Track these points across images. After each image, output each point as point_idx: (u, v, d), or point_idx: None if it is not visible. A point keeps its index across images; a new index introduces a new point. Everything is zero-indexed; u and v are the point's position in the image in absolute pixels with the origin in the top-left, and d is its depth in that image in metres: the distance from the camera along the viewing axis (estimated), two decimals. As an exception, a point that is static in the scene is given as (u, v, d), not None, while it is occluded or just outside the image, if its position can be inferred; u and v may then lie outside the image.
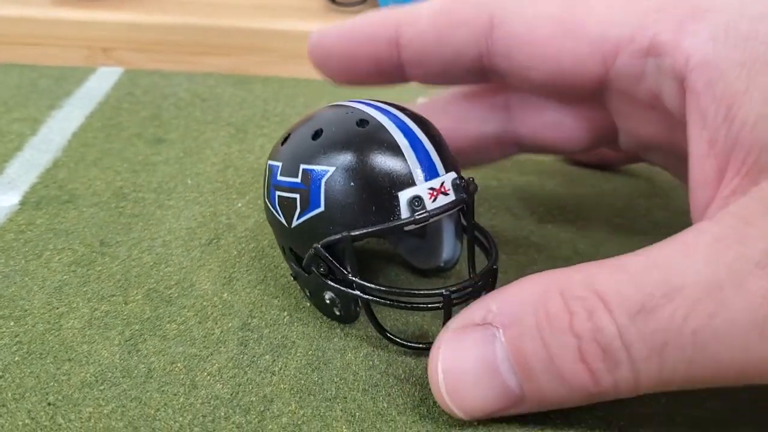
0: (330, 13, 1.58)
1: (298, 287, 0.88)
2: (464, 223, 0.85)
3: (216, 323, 0.83)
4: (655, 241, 1.00)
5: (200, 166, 1.17)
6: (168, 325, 0.82)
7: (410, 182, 0.73)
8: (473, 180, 0.80)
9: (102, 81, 1.48)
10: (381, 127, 0.76)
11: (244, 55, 1.55)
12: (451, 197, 0.75)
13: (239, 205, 1.06)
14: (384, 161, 0.74)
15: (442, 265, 0.87)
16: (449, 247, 0.86)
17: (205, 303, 0.86)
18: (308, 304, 0.86)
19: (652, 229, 1.04)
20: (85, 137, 1.24)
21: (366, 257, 0.95)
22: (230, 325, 0.82)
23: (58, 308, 0.84)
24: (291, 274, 0.87)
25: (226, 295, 0.87)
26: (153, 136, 1.25)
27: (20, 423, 0.69)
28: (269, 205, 0.81)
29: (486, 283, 0.79)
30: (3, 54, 1.56)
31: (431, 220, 0.74)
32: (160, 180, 1.12)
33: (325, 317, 0.84)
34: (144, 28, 1.54)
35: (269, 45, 1.55)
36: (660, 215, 1.08)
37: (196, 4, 1.63)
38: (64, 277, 0.89)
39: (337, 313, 0.81)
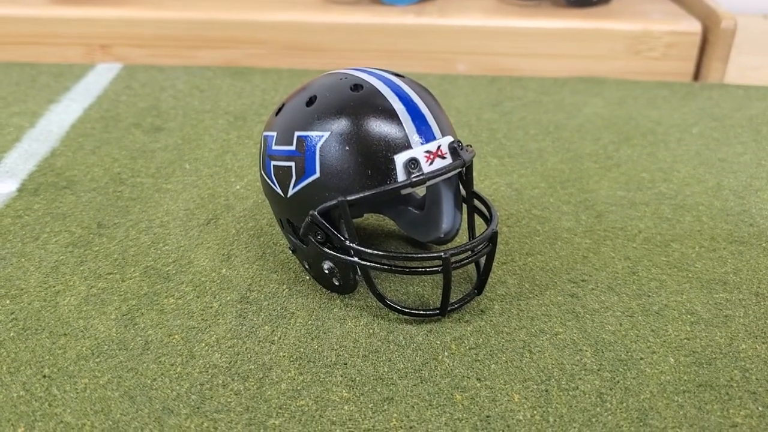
0: (327, 5, 1.58)
1: (297, 261, 0.87)
2: (464, 193, 0.83)
3: (214, 297, 0.81)
4: (657, 212, 0.99)
5: (198, 151, 1.16)
6: (166, 299, 0.81)
7: (406, 145, 0.72)
8: (471, 146, 0.79)
9: (100, 76, 1.47)
10: (376, 91, 0.75)
11: (242, 47, 1.55)
12: (449, 161, 0.74)
13: (238, 187, 1.05)
14: (379, 125, 0.73)
15: (442, 236, 0.86)
16: (449, 217, 0.85)
17: (203, 278, 0.85)
18: (307, 278, 0.85)
19: (655, 200, 1.03)
20: (83, 128, 1.23)
21: (366, 234, 0.94)
22: (229, 298, 0.81)
23: (54, 287, 0.83)
24: (289, 248, 0.86)
25: (224, 270, 0.86)
26: (151, 125, 1.25)
27: (15, 395, 0.68)
28: (265, 176, 0.80)
29: (486, 246, 0.78)
30: (2, 53, 1.56)
31: (428, 182, 0.73)
32: (159, 165, 1.11)
33: (324, 289, 0.83)
34: (142, 23, 1.54)
35: (267, 37, 1.54)
36: (663, 187, 1.06)
37: (194, -1, 1.63)
38: (61, 257, 0.88)
39: (337, 283, 0.80)
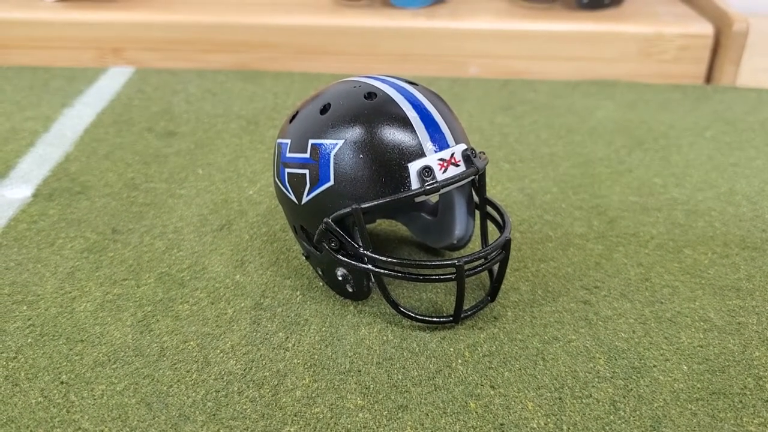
0: (339, 8, 1.58)
1: (311, 267, 0.88)
2: (476, 200, 0.84)
3: (229, 303, 0.82)
4: (670, 218, 0.99)
5: (211, 156, 1.17)
6: (180, 306, 0.82)
7: (420, 153, 0.73)
8: (484, 153, 0.79)
9: (113, 80, 1.48)
10: (389, 99, 0.75)
11: (254, 51, 1.56)
12: (462, 168, 0.74)
13: (251, 192, 1.06)
14: (393, 133, 0.73)
15: (455, 242, 0.86)
16: (462, 223, 0.85)
17: (217, 285, 0.85)
18: (321, 284, 0.85)
19: (668, 206, 1.03)
20: (97, 133, 1.24)
21: (379, 240, 0.94)
22: (243, 305, 0.82)
23: (70, 292, 0.84)
24: (303, 254, 0.86)
25: (238, 276, 0.87)
26: (164, 130, 1.25)
27: (33, 401, 0.69)
28: (279, 183, 0.81)
29: (499, 254, 0.78)
30: (16, 57, 1.57)
31: (442, 190, 0.73)
32: (172, 170, 1.12)
33: (338, 296, 0.83)
34: (154, 27, 1.54)
35: (279, 41, 1.55)
36: (676, 192, 1.06)
37: (206, 2, 1.63)
38: (77, 263, 0.89)
39: (350, 290, 0.81)
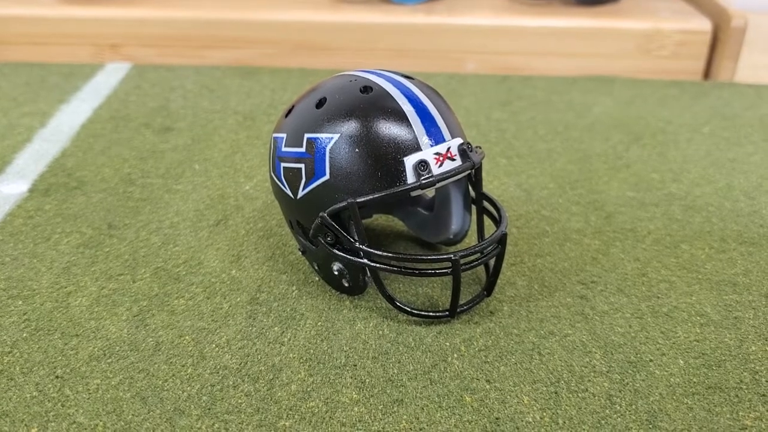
0: (336, 4, 1.58)
1: (307, 262, 0.87)
2: (473, 195, 0.84)
3: (224, 298, 0.82)
4: (667, 213, 0.99)
5: (208, 152, 1.16)
6: (176, 300, 0.81)
7: (416, 147, 0.72)
8: (480, 148, 0.79)
9: (110, 76, 1.48)
10: (385, 93, 0.75)
11: (252, 47, 1.55)
12: (458, 162, 0.74)
13: (247, 187, 1.06)
14: (389, 127, 0.73)
15: (451, 237, 0.86)
16: (458, 218, 0.85)
17: (213, 279, 0.85)
18: (317, 279, 0.85)
19: (665, 201, 1.02)
20: (93, 128, 1.24)
21: (375, 235, 0.94)
22: (238, 299, 0.82)
23: (66, 287, 0.83)
24: (299, 249, 0.86)
25: (234, 271, 0.86)
26: (161, 126, 1.25)
27: (28, 396, 0.68)
28: (275, 178, 0.81)
29: (495, 248, 0.78)
30: (12, 53, 1.57)
31: (438, 184, 0.73)
32: (168, 166, 1.11)
33: (334, 291, 0.83)
34: (151, 23, 1.54)
35: (276, 37, 1.54)
36: (673, 188, 1.06)
37: (203, -2, 1.63)
38: (72, 258, 0.89)
39: (346, 284, 0.80)
